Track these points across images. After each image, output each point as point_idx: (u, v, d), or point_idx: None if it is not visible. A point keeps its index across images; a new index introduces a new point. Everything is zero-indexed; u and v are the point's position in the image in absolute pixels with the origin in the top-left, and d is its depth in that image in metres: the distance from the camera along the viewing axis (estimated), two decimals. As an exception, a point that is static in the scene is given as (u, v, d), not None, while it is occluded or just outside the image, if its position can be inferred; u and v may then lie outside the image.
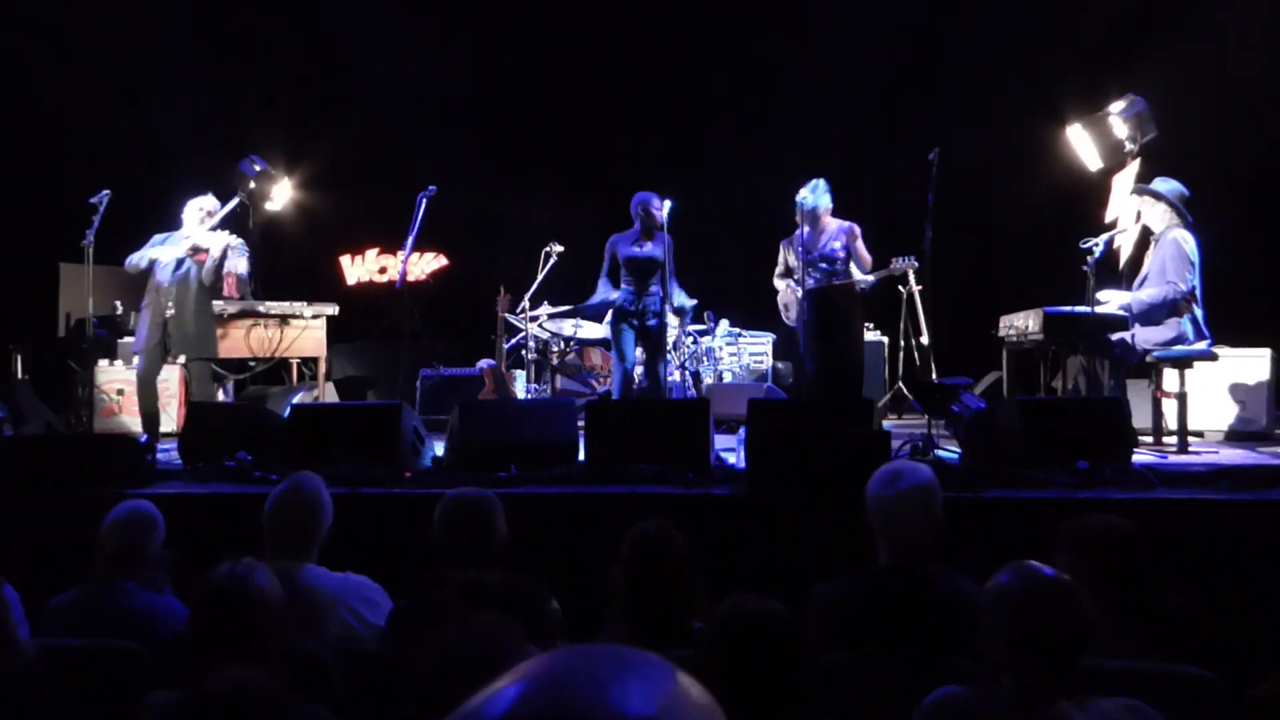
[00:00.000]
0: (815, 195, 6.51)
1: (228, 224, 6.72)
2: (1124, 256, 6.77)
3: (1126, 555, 2.72)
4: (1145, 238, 6.28)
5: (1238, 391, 6.50)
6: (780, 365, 8.64)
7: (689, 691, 0.72)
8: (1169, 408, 5.88)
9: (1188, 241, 5.85)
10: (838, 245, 6.57)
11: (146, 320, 6.52)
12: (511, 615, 1.60)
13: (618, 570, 2.75)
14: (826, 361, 6.49)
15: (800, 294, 6.54)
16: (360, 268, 10.60)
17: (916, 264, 6.58)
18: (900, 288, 7.71)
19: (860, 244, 6.62)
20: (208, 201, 6.71)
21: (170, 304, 6.44)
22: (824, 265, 6.52)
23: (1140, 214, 6.23)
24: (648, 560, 2.72)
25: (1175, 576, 2.92)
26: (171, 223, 6.72)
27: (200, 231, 6.58)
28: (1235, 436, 6.40)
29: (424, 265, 10.17)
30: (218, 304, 7.15)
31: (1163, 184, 6.08)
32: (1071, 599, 2.08)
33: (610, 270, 6.86)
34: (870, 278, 6.61)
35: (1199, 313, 5.84)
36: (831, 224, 6.61)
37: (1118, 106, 6.99)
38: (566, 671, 0.70)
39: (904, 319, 7.86)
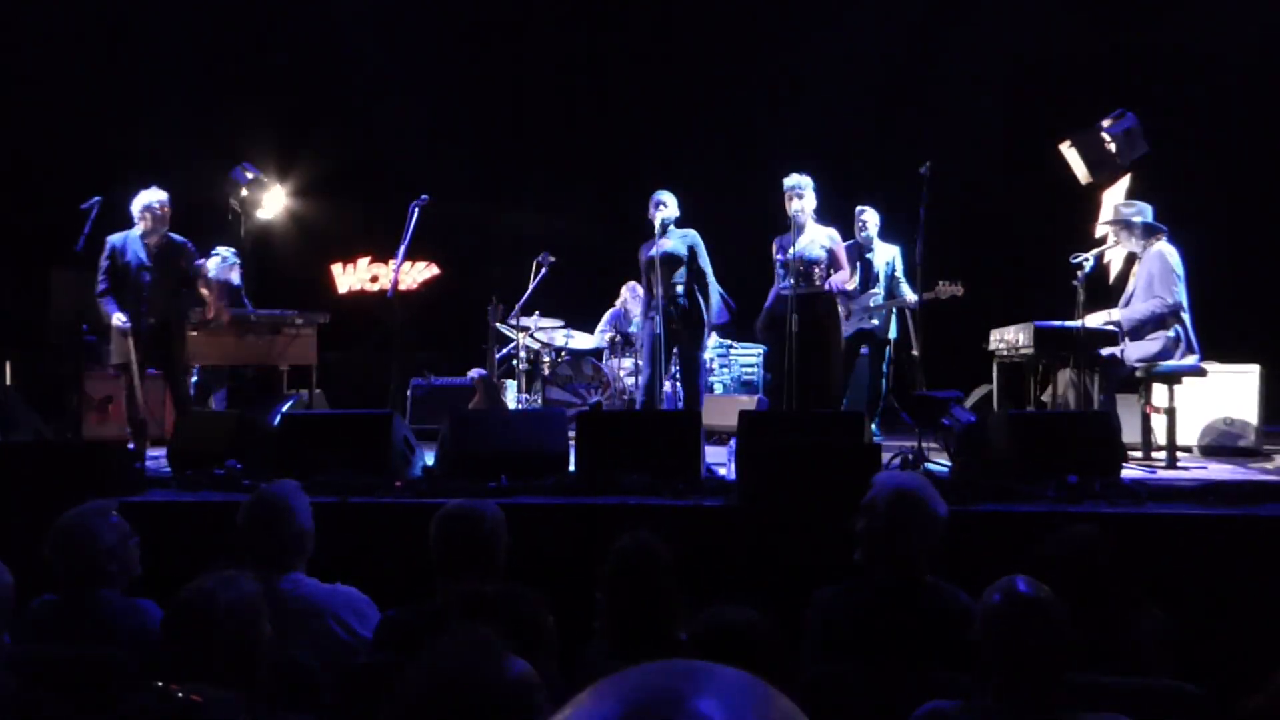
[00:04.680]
0: (809, 190, 6.54)
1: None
2: (1114, 271, 6.79)
3: (1087, 563, 2.70)
4: (1131, 254, 6.31)
5: (1226, 407, 6.53)
6: (770, 377, 8.63)
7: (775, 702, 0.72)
8: (1158, 423, 5.89)
9: (1172, 255, 5.88)
10: (820, 250, 6.58)
11: (130, 327, 6.29)
12: (508, 628, 1.58)
13: (602, 583, 2.75)
14: (801, 372, 6.44)
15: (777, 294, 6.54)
16: (352, 276, 10.58)
17: (962, 289, 6.63)
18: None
19: (842, 252, 6.66)
20: (157, 194, 6.48)
21: (148, 312, 6.34)
22: (802, 269, 6.53)
23: (1119, 240, 6.27)
24: (631, 573, 2.72)
25: (1164, 591, 2.93)
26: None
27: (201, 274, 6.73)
28: (1224, 452, 6.43)
29: (416, 274, 10.15)
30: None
31: (1126, 209, 6.12)
32: (1050, 616, 2.10)
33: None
34: (913, 298, 6.67)
35: (1188, 324, 5.87)
36: (814, 227, 6.63)
37: (1108, 122, 7.02)
38: (654, 696, 0.69)
39: (894, 332, 7.86)
